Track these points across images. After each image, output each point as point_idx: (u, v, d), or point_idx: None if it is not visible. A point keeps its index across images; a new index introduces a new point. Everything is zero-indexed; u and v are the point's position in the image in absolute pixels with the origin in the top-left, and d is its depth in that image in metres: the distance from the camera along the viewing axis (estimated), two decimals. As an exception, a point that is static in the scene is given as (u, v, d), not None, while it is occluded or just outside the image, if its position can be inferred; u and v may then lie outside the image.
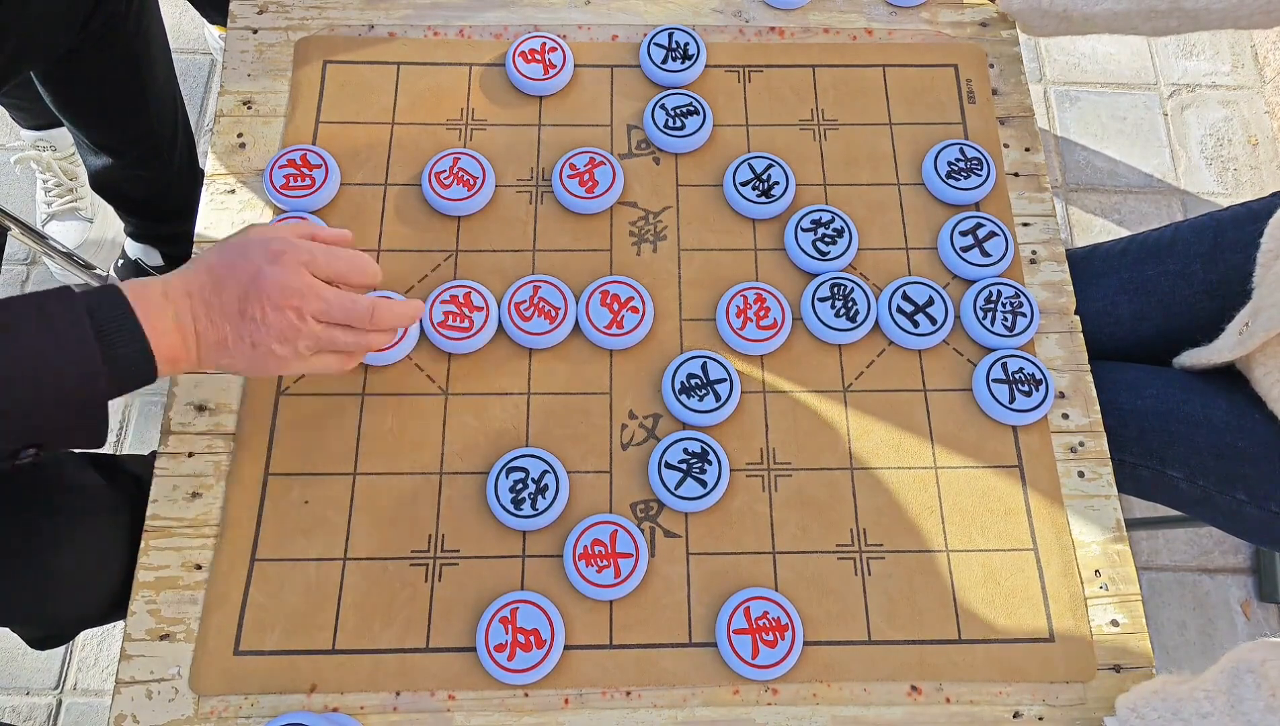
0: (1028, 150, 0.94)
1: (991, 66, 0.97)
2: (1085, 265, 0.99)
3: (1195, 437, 0.88)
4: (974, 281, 0.87)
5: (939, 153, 0.91)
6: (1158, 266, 0.96)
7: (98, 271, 1.49)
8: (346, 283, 0.71)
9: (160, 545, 0.76)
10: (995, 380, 0.82)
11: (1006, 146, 0.94)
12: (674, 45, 0.95)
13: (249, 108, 0.92)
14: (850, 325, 0.84)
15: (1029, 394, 0.81)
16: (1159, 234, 0.99)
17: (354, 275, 0.71)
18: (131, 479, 0.82)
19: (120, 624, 0.80)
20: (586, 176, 0.88)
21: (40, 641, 0.82)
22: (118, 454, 0.96)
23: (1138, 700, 0.68)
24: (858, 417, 0.82)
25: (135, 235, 1.41)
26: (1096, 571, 0.78)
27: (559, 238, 0.88)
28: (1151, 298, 0.96)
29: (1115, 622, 0.76)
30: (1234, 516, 0.90)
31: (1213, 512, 0.91)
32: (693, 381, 0.81)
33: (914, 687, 0.74)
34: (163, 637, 0.73)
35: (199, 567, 0.75)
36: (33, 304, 0.59)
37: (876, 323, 0.85)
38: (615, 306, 0.83)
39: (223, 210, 0.88)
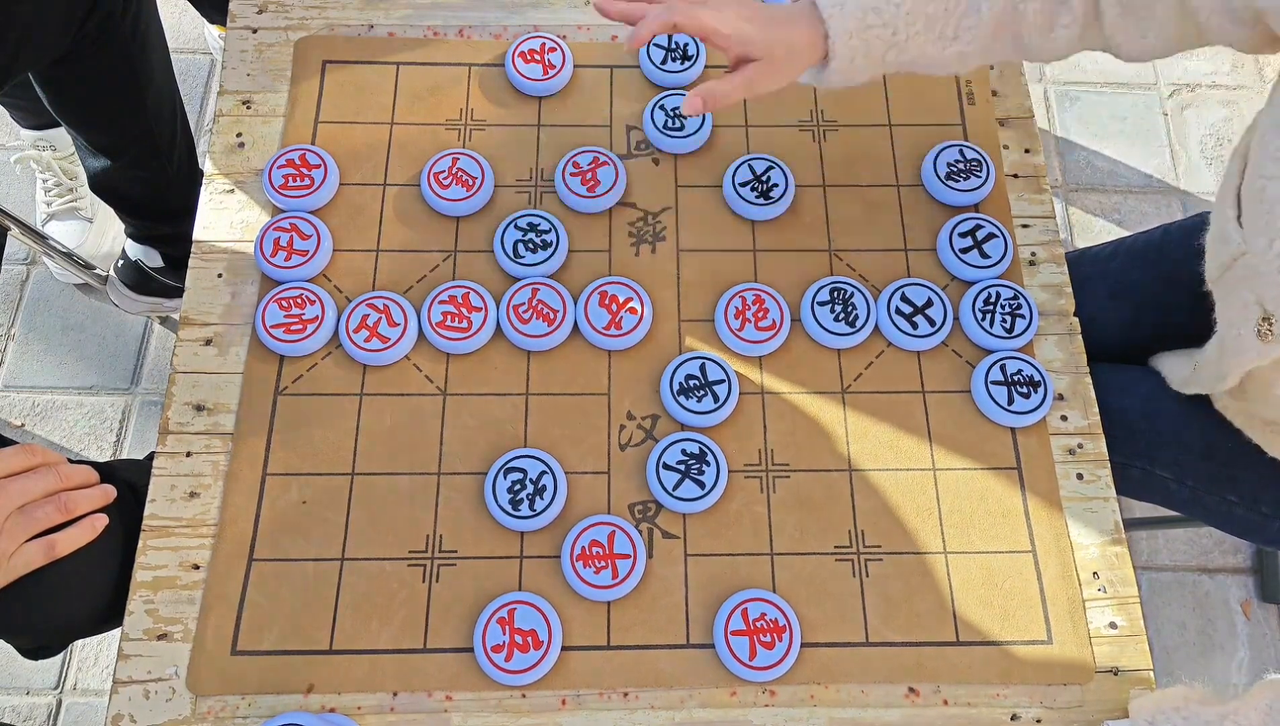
0: (1027, 151, 0.94)
1: (991, 68, 0.97)
2: (1075, 269, 0.99)
3: (1183, 439, 0.88)
4: (973, 283, 0.87)
5: (938, 154, 0.91)
6: (1146, 270, 0.96)
7: (98, 271, 1.49)
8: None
9: (158, 545, 0.76)
10: (994, 382, 0.82)
11: (1006, 148, 0.94)
12: (673, 46, 0.95)
13: (248, 108, 0.92)
14: (849, 330, 0.84)
15: (1027, 396, 0.81)
16: (1148, 236, 0.99)
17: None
18: (125, 486, 0.81)
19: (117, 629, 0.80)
20: (589, 175, 0.88)
21: (32, 651, 0.82)
22: (111, 461, 0.96)
23: (1156, 713, 0.66)
24: (856, 419, 0.82)
25: (135, 236, 1.41)
26: (1095, 574, 0.78)
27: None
28: (1141, 301, 0.96)
29: (1113, 625, 0.76)
30: (1226, 517, 0.90)
31: (1204, 512, 0.91)
32: (691, 382, 0.81)
33: (912, 689, 0.74)
34: (160, 637, 0.73)
35: (196, 567, 0.75)
36: None
37: (876, 326, 0.85)
38: (614, 307, 0.83)
39: (222, 210, 0.88)
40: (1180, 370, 0.86)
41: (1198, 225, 0.96)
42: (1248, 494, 0.85)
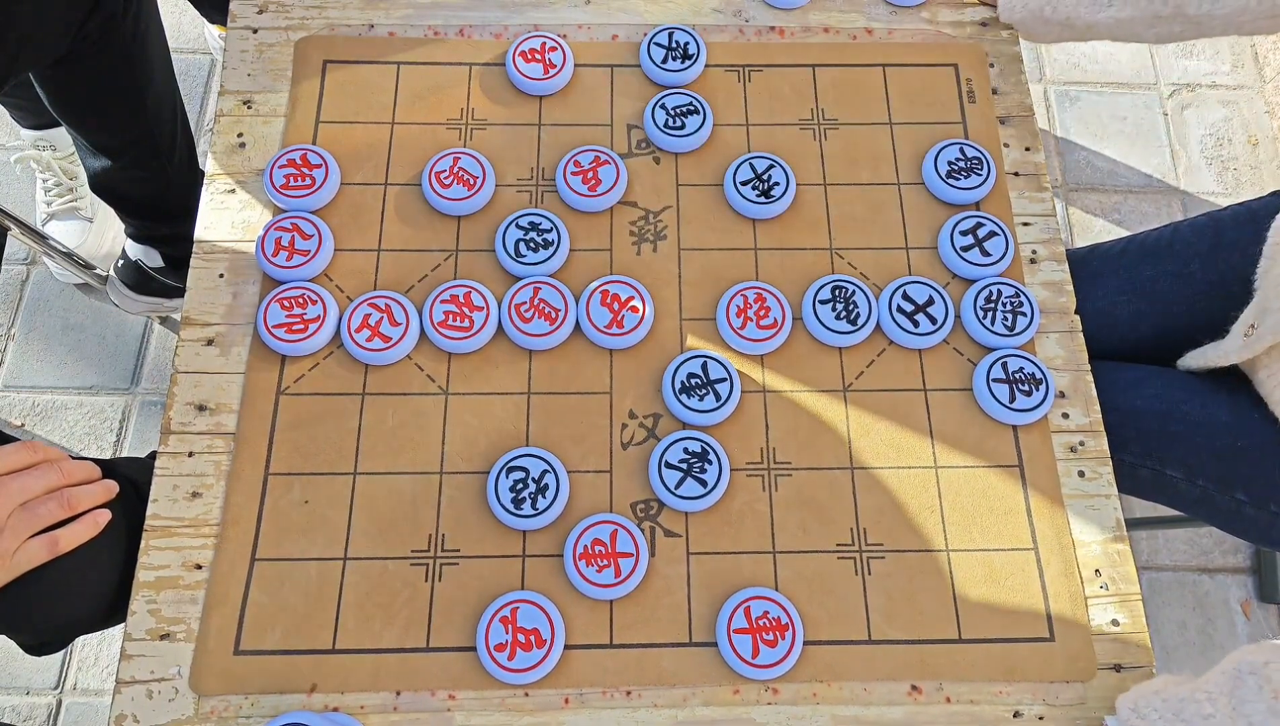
0: (1028, 149, 0.94)
1: (991, 66, 0.97)
2: (1084, 265, 0.99)
3: (1194, 437, 0.88)
4: (974, 281, 0.87)
5: (939, 152, 0.91)
6: (1157, 267, 0.96)
7: (98, 271, 1.49)
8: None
9: (160, 545, 0.76)
10: (995, 380, 0.82)
11: (1006, 146, 0.94)
12: (674, 45, 0.95)
13: (249, 107, 0.92)
14: (851, 328, 0.84)
15: (1029, 393, 0.81)
16: (1158, 234, 0.99)
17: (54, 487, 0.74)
18: (127, 483, 0.81)
19: (119, 625, 0.80)
20: (590, 174, 0.88)
21: (35, 648, 0.82)
22: (113, 458, 0.96)
23: (1139, 699, 0.68)
24: (858, 417, 0.82)
25: (135, 236, 1.41)
26: (1096, 571, 0.78)
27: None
28: (1150, 298, 0.96)
29: (1115, 622, 0.76)
30: (1233, 516, 0.90)
31: (1212, 512, 0.91)
32: (693, 381, 0.81)
33: (914, 687, 0.74)
34: (163, 637, 0.73)
35: (199, 567, 0.75)
36: None
37: (877, 325, 0.85)
38: (615, 306, 0.83)
39: (223, 210, 0.88)
40: (1230, 341, 0.86)
41: (1207, 224, 0.96)
42: (1258, 493, 0.86)
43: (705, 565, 0.77)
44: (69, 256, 1.45)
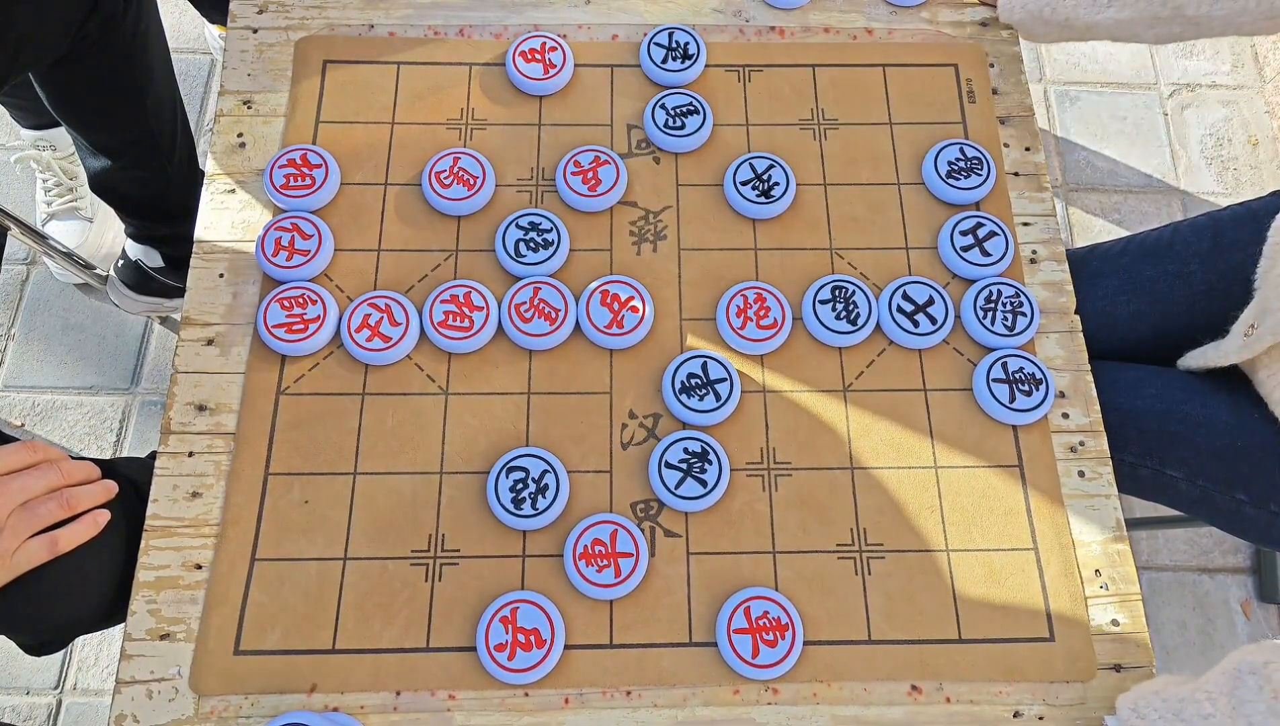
0: (1028, 150, 0.94)
1: (991, 66, 0.97)
2: (1084, 265, 0.99)
3: (1195, 437, 0.88)
4: (974, 281, 0.87)
5: (939, 152, 0.91)
6: (1156, 266, 0.96)
7: (98, 271, 1.49)
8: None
9: (160, 545, 0.76)
10: (995, 380, 0.82)
11: (1006, 146, 0.94)
12: (674, 45, 0.95)
13: (249, 107, 0.92)
14: (851, 328, 0.84)
15: (1029, 393, 0.81)
16: (1158, 234, 0.99)
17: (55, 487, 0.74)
18: (127, 483, 0.82)
19: (119, 625, 0.80)
20: (590, 174, 0.88)
21: (35, 648, 0.82)
22: (113, 458, 0.96)
23: (1138, 699, 0.68)
24: (858, 417, 0.82)
25: (136, 236, 1.41)
26: (1096, 571, 0.78)
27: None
28: (1150, 298, 0.96)
29: (1115, 622, 0.76)
30: (1233, 516, 0.90)
31: (1212, 512, 0.91)
32: (693, 381, 0.81)
33: (914, 687, 0.74)
34: (163, 637, 0.73)
35: (199, 567, 0.75)
36: None
37: (877, 325, 0.85)
38: (615, 306, 0.83)
39: (223, 210, 0.88)
40: (1230, 341, 0.86)
41: (1207, 224, 0.96)
42: (1258, 493, 0.86)
43: (705, 565, 0.77)
44: (69, 256, 1.45)
